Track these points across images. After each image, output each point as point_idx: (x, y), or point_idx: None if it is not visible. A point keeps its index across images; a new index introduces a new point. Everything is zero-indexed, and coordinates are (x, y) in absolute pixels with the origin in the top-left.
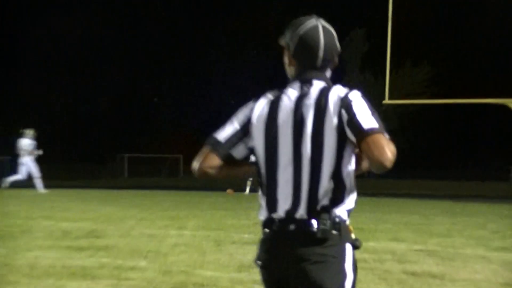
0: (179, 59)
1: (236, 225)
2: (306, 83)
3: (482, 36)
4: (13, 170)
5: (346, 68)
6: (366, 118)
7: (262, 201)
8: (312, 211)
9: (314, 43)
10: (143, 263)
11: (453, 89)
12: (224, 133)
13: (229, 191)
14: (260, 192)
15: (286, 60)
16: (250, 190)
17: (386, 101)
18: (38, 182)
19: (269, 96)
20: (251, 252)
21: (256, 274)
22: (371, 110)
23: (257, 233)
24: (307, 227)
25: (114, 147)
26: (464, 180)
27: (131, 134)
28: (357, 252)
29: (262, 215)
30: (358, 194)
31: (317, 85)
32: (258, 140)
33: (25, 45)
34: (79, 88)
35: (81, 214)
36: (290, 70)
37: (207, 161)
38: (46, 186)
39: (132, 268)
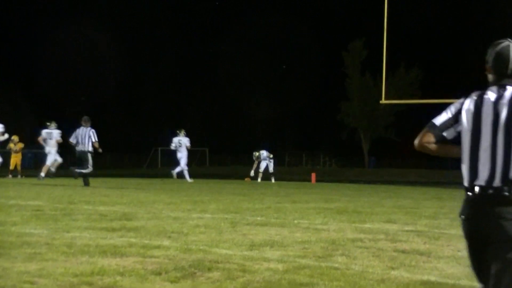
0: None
1: (251, 208)
2: (501, 87)
3: (468, 43)
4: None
5: (348, 72)
6: None
7: (466, 173)
8: (505, 181)
9: (505, 57)
10: (166, 242)
11: (441, 90)
12: (440, 119)
13: (247, 179)
14: (463, 167)
15: (487, 70)
16: (262, 179)
17: (383, 101)
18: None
19: (474, 96)
20: (262, 232)
21: (265, 252)
22: None
23: (268, 216)
24: (502, 192)
25: (151, 141)
26: (451, 169)
27: (165, 130)
28: (354, 232)
29: (466, 182)
30: (358, 182)
31: (510, 89)
32: (465, 126)
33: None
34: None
35: (117, 199)
36: (489, 78)
37: (424, 138)
38: (94, 175)
39: (157, 247)
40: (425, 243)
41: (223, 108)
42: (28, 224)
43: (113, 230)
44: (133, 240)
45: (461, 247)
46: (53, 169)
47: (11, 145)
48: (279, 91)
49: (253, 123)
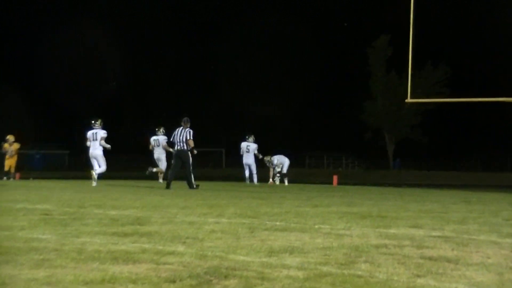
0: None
1: (270, 213)
2: None
3: (497, 39)
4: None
5: (372, 70)
6: None
7: None
8: None
9: None
10: (181, 248)
11: (469, 88)
12: None
13: (270, 182)
14: None
15: None
16: (281, 181)
17: (408, 99)
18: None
19: None
20: (281, 238)
21: (284, 259)
22: None
23: (288, 221)
24: None
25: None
26: (481, 171)
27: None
28: (378, 237)
29: None
30: (382, 185)
31: None
32: None
33: None
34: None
35: (130, 202)
36: None
37: None
38: (106, 177)
39: (171, 253)
40: (453, 249)
41: (240, 108)
42: (36, 229)
43: (125, 235)
44: (146, 246)
45: (491, 254)
46: (158, 173)
47: (6, 145)
48: (300, 90)
49: (272, 123)
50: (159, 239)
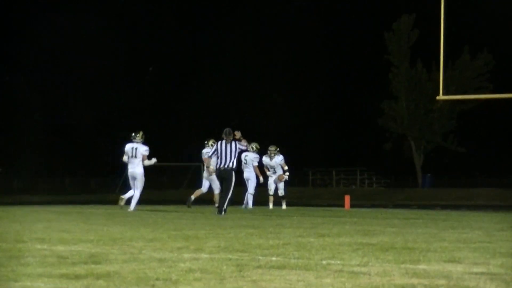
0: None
1: (263, 245)
2: None
3: None
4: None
5: (393, 60)
6: None
7: None
8: None
9: None
10: None
11: None
12: None
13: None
14: None
15: None
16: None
17: (440, 96)
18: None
19: None
20: (279, 278)
21: None
22: None
23: (287, 256)
24: None
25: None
26: None
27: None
28: (404, 276)
29: None
30: (409, 207)
31: None
32: None
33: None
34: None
35: (81, 235)
36: None
37: None
38: (49, 202)
39: None
40: None
41: (221, 110)
42: None
43: (77, 277)
44: None
45: None
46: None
47: None
48: (300, 87)
49: (263, 126)
50: (120, 281)
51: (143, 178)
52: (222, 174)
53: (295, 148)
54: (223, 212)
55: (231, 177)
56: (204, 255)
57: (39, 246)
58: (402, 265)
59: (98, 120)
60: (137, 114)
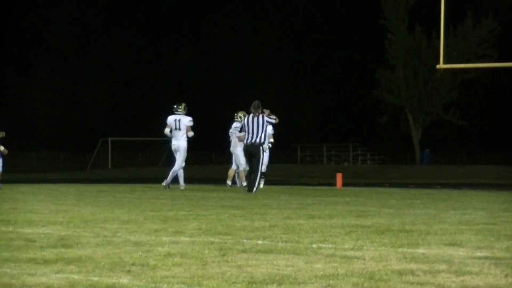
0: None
1: (248, 228)
2: None
3: None
4: None
5: (389, 26)
6: None
7: None
8: None
9: None
10: (124, 279)
11: None
12: None
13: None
14: None
15: None
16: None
17: (441, 65)
18: None
19: None
20: (266, 263)
21: None
22: None
23: (274, 239)
24: None
25: (100, 132)
26: None
27: (121, 116)
28: (402, 261)
29: None
30: (406, 186)
31: None
32: None
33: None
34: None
35: (50, 216)
36: None
37: None
38: (14, 180)
39: (111, 287)
40: (506, 275)
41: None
42: None
43: (46, 262)
44: (75, 276)
45: None
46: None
47: None
48: (288, 56)
49: (246, 102)
50: (93, 267)
51: (186, 152)
52: (251, 149)
53: (282, 121)
54: (254, 189)
55: (260, 152)
56: (184, 238)
57: (4, 229)
58: (399, 249)
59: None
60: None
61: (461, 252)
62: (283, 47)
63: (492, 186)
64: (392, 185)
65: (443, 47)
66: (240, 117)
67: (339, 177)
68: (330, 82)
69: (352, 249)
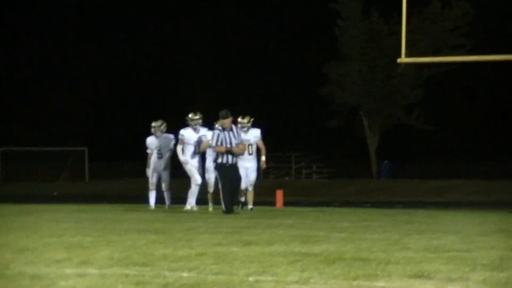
0: None
1: (171, 257)
2: None
3: None
4: None
5: (341, 10)
6: None
7: None
8: None
9: None
10: None
11: (503, 40)
12: None
13: None
14: None
15: None
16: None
17: (403, 59)
18: None
19: None
20: None
21: None
22: None
23: (203, 270)
24: None
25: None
26: None
27: (11, 122)
28: None
29: None
30: (361, 205)
31: None
32: None
33: None
34: None
35: None
36: None
37: None
38: None
39: None
40: None
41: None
42: None
43: None
44: None
45: None
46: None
47: None
48: (216, 44)
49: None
50: None
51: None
52: (230, 172)
53: (209, 127)
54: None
55: (238, 172)
56: (92, 270)
57: None
58: (354, 282)
59: None
60: None
61: (428, 286)
62: (216, 34)
63: (464, 205)
64: (344, 203)
65: (405, 37)
66: (217, 128)
67: (279, 194)
68: (267, 78)
69: (297, 282)
